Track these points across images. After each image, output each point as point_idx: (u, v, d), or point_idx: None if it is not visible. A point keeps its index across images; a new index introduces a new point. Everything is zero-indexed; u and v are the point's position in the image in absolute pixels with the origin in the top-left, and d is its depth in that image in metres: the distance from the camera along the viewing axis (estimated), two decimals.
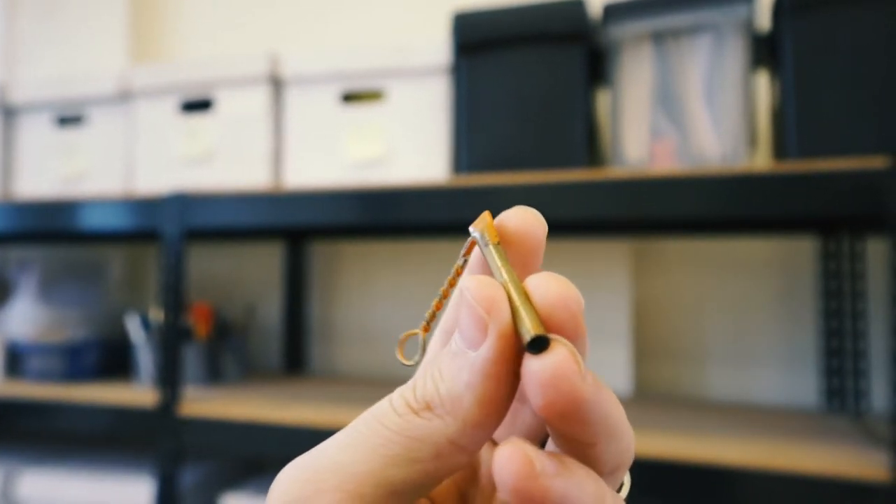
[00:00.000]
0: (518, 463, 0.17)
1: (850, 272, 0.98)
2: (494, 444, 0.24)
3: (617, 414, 0.19)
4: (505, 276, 0.20)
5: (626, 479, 0.22)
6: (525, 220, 0.21)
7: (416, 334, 0.24)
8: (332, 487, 0.18)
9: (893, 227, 0.66)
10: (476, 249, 0.23)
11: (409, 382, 0.20)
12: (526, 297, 0.19)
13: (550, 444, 0.21)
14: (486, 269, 0.22)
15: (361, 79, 0.96)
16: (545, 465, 0.17)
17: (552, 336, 0.18)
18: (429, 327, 0.24)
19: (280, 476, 0.20)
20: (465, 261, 0.23)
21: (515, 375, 0.19)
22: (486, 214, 0.22)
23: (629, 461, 0.20)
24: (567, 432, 0.18)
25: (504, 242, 0.21)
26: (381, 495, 0.18)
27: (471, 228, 0.22)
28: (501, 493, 0.17)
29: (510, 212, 0.22)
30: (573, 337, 0.19)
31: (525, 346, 0.18)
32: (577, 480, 0.18)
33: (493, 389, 0.18)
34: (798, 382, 1.03)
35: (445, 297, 0.23)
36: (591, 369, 0.19)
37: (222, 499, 0.97)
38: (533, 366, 0.17)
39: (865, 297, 0.98)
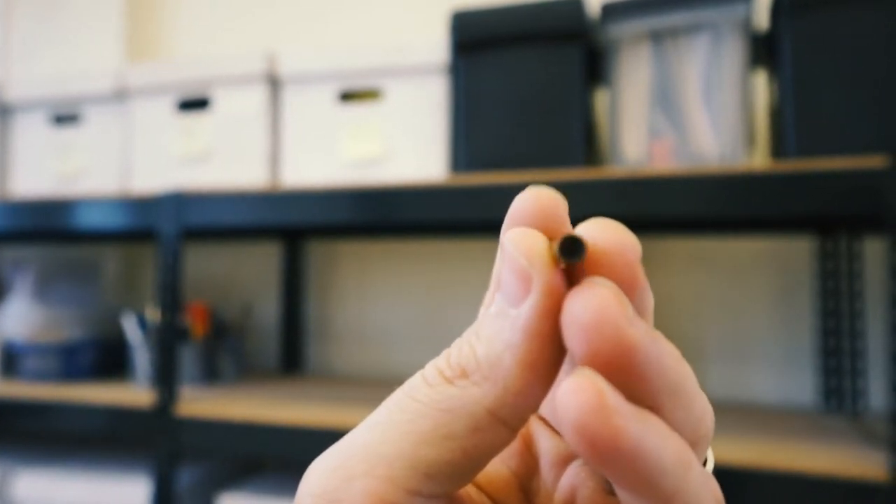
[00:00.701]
0: (587, 394, 0.14)
1: (848, 272, 0.98)
2: (548, 425, 0.22)
3: (680, 371, 0.16)
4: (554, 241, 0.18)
5: (710, 458, 0.20)
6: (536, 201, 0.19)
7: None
8: (362, 473, 0.16)
9: (892, 227, 0.66)
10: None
11: (444, 351, 0.18)
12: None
13: None
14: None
15: (359, 78, 0.95)
16: (620, 403, 0.15)
17: (596, 279, 0.16)
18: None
19: (309, 470, 0.18)
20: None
21: (559, 336, 0.16)
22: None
23: (708, 435, 0.18)
24: (622, 390, 0.15)
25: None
26: (415, 478, 0.16)
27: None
28: (565, 435, 0.15)
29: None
30: (630, 289, 0.16)
31: (557, 254, 0.16)
32: (658, 431, 0.15)
33: (537, 350, 0.16)
34: (796, 382, 1.03)
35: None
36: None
37: (219, 499, 0.97)
38: (572, 306, 0.15)
39: (863, 296, 0.98)
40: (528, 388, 0.16)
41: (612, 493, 0.19)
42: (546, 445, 0.21)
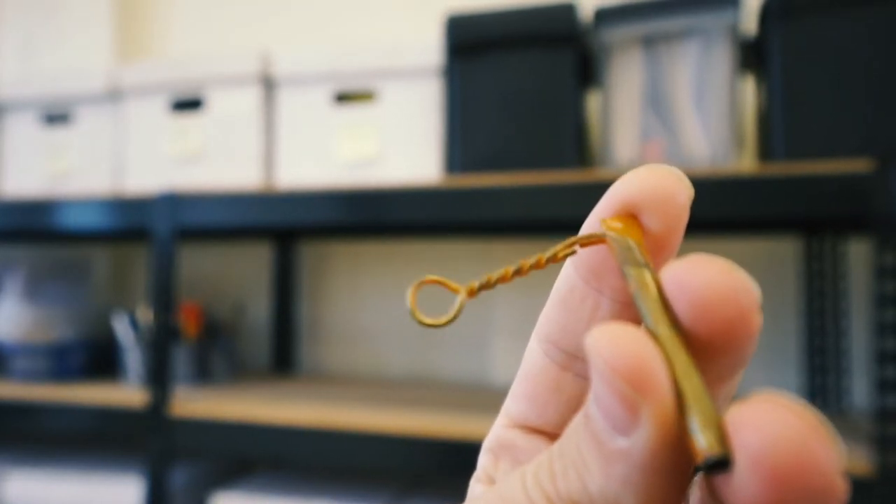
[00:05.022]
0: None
1: (833, 272, 1.00)
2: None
3: None
4: (660, 325, 0.14)
5: None
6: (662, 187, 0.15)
7: (449, 288, 0.17)
8: None
9: (876, 229, 0.68)
10: (593, 250, 0.16)
11: (544, 460, 0.15)
12: (689, 360, 0.13)
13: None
14: (595, 277, 0.17)
15: (354, 79, 0.96)
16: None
17: (769, 397, 0.12)
18: (475, 293, 0.17)
19: None
20: (572, 253, 0.16)
21: (686, 460, 0.13)
22: (631, 220, 0.15)
23: None
24: None
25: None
26: None
27: (606, 226, 0.16)
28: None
29: (640, 178, 0.16)
30: (741, 346, 0.14)
31: (698, 466, 0.13)
32: None
33: (662, 487, 0.13)
34: (781, 380, 1.05)
35: (509, 277, 0.17)
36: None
37: (212, 499, 0.97)
38: (749, 442, 0.12)
39: (848, 296, 1.00)
40: None
41: None
42: None
